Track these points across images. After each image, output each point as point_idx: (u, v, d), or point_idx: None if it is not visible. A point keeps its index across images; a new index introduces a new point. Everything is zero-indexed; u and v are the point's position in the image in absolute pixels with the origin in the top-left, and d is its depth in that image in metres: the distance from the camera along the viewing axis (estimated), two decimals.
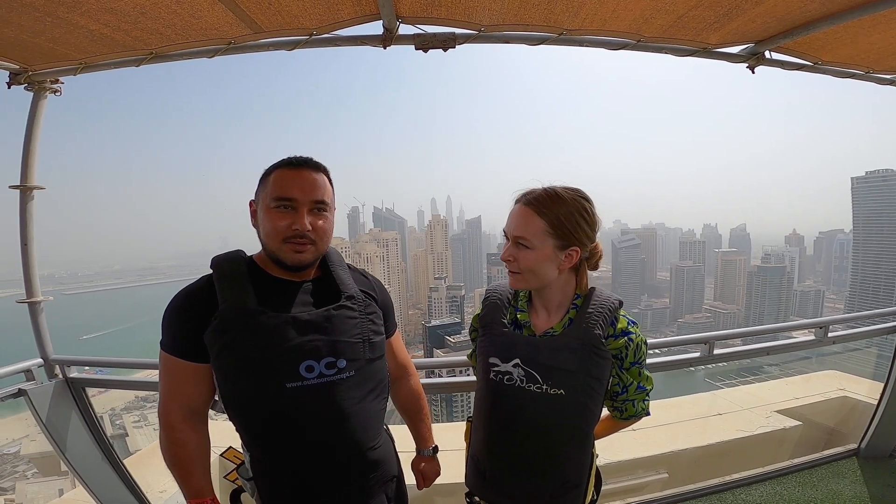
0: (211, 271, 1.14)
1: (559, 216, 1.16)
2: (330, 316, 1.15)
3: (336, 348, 1.14)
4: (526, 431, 1.22)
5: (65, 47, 1.68)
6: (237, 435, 1.18)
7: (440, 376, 2.33)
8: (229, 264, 1.14)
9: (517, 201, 1.21)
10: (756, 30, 1.77)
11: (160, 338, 1.14)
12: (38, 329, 2.11)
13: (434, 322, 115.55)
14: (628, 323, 1.22)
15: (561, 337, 1.20)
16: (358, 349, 1.18)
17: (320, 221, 1.15)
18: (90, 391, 2.28)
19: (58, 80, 1.96)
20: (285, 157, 1.17)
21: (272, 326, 1.08)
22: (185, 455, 1.12)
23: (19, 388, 2.03)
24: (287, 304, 1.14)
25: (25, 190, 2.00)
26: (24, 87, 1.93)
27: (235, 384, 1.08)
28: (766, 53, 1.93)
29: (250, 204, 1.20)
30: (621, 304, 1.24)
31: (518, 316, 1.28)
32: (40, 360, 2.14)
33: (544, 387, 1.18)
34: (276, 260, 1.15)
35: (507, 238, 1.22)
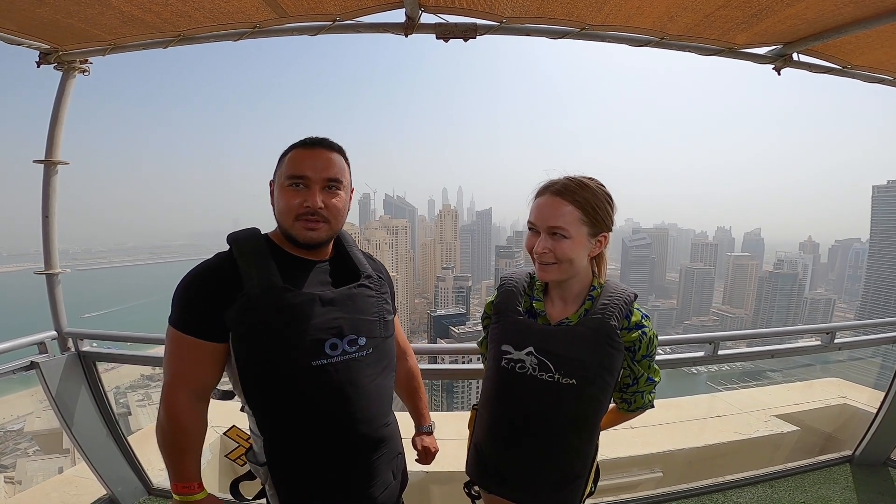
0: (226, 249, 1.13)
1: (591, 203, 1.17)
2: (352, 294, 1.18)
3: (357, 326, 1.16)
4: (535, 420, 1.23)
5: (96, 28, 1.72)
6: (238, 416, 1.20)
7: (443, 362, 2.36)
8: (249, 242, 1.13)
9: (542, 193, 1.21)
10: (785, 31, 1.74)
11: (169, 314, 1.10)
12: (53, 301, 2.15)
13: (440, 312, 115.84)
14: (642, 316, 1.23)
15: (577, 327, 1.20)
16: (376, 327, 1.20)
17: (333, 199, 1.15)
18: (100, 367, 2.32)
19: (87, 60, 2.00)
20: (303, 137, 1.18)
21: (298, 304, 1.09)
22: (186, 442, 1.11)
23: (31, 361, 2.06)
24: (308, 282, 1.15)
25: (50, 164, 2.05)
26: (54, 67, 1.97)
27: (260, 363, 1.08)
28: (794, 55, 1.91)
29: (270, 184, 1.20)
30: (636, 297, 1.25)
31: (534, 304, 1.28)
32: (54, 333, 2.17)
33: (556, 376, 1.18)
34: (290, 238, 1.15)
35: (535, 231, 1.21)
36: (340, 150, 1.19)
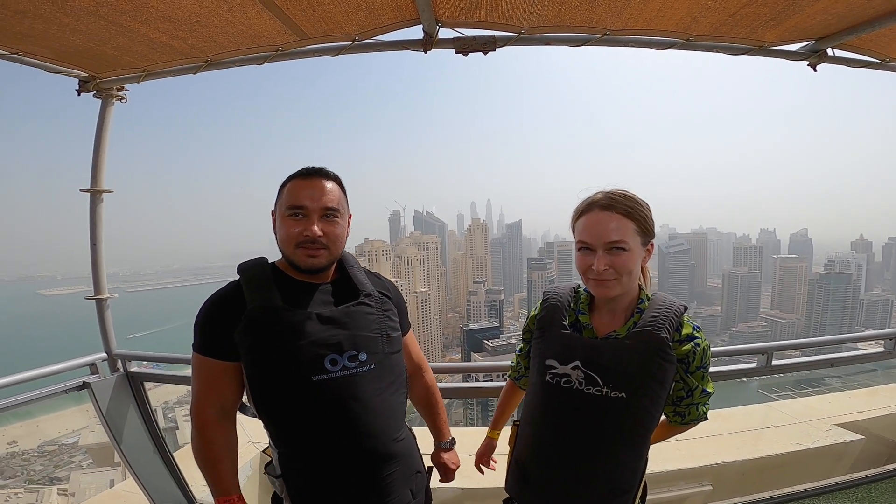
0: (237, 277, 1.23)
1: (640, 212, 1.16)
2: (350, 312, 1.23)
3: (357, 342, 1.20)
4: (582, 435, 1.20)
5: (128, 55, 1.81)
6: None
7: (476, 380, 2.33)
8: (254, 269, 1.22)
9: (587, 210, 1.19)
10: (816, 26, 1.69)
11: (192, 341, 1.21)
12: (103, 325, 2.26)
13: (472, 326, 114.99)
14: (693, 328, 1.19)
15: (626, 340, 1.17)
16: (377, 343, 1.25)
17: (331, 227, 1.22)
18: (147, 385, 2.40)
19: (123, 87, 2.10)
20: (301, 167, 1.25)
21: (296, 322, 1.16)
22: (215, 454, 1.17)
23: (83, 381, 2.17)
24: (309, 303, 1.21)
25: (95, 193, 2.16)
26: (93, 95, 2.08)
27: (264, 379, 1.16)
28: (829, 51, 1.85)
29: (272, 214, 1.28)
30: (686, 309, 1.21)
31: (579, 318, 1.26)
32: (104, 355, 2.27)
33: (604, 389, 1.15)
34: (293, 264, 1.23)
35: (589, 249, 1.17)
36: (336, 179, 1.26)
